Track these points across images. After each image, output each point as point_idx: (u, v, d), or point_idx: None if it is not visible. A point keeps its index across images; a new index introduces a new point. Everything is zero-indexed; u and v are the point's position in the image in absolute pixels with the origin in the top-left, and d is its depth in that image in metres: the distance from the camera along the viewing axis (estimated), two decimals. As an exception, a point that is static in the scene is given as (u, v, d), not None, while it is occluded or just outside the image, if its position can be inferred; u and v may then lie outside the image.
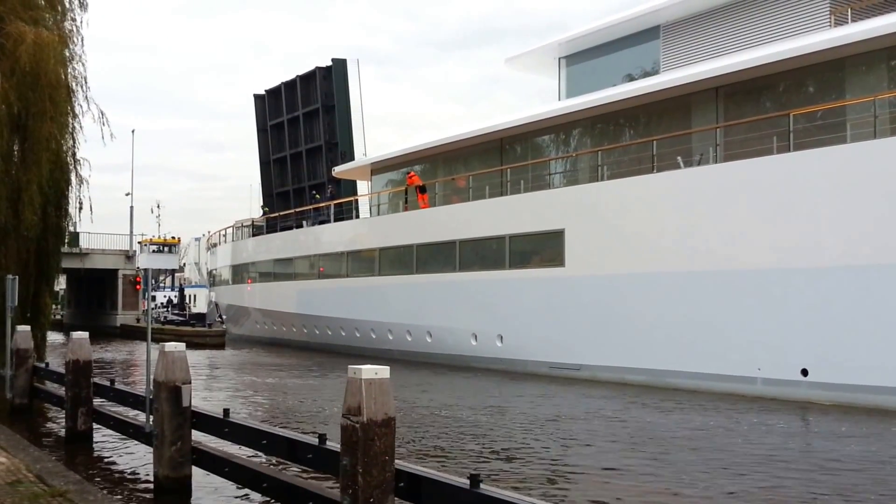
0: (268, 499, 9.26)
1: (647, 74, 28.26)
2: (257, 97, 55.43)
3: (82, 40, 23.39)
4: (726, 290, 20.61)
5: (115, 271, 56.86)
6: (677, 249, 21.86)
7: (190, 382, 10.03)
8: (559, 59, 32.46)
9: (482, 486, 6.25)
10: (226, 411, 9.60)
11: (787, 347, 19.24)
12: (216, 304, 52.58)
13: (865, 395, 17.68)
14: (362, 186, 44.80)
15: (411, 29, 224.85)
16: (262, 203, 50.28)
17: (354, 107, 48.63)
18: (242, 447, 10.05)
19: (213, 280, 55.62)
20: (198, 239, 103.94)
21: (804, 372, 18.94)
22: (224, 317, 50.71)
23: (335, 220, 38.33)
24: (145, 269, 18.49)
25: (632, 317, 22.80)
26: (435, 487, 6.62)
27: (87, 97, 23.38)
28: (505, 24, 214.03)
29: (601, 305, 23.72)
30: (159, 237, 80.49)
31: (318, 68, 48.93)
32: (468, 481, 6.29)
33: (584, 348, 24.01)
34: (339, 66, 48.58)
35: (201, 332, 45.41)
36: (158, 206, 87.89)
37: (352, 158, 45.44)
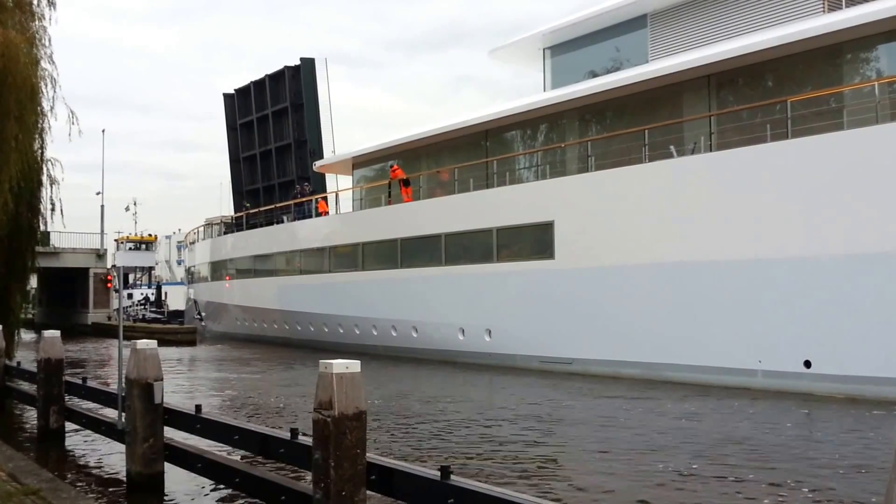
0: (241, 493, 9.56)
1: (634, 64, 28.45)
2: (227, 96, 56.39)
3: (50, 40, 23.63)
4: (724, 280, 20.80)
5: (86, 270, 58.00)
6: (671, 240, 22.05)
7: (162, 379, 10.30)
8: (544, 49, 32.67)
9: (453, 477, 6.50)
10: (198, 407, 9.89)
11: (790, 338, 19.37)
12: (195, 302, 52.92)
13: (872, 387, 17.80)
14: (331, 183, 45.62)
15: (381, 31, 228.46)
16: (245, 201, 50.98)
17: (323, 105, 49.83)
18: (215, 443, 10.32)
19: (191, 277, 55.96)
20: (168, 237, 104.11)
21: (807, 363, 19.12)
22: (203, 314, 51.02)
23: (313, 216, 38.75)
24: (116, 267, 18.75)
25: (625, 309, 23.05)
26: (406, 480, 6.87)
27: (56, 97, 23.64)
28: (473, 26, 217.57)
29: (593, 298, 23.98)
30: (136, 235, 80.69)
31: (286, 67, 50.03)
32: (439, 473, 6.52)
33: (575, 342, 24.30)
34: (308, 65, 49.68)
35: (173, 329, 46.18)
36: (135, 204, 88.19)
37: (321, 156, 46.31)
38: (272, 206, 44.16)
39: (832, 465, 11.69)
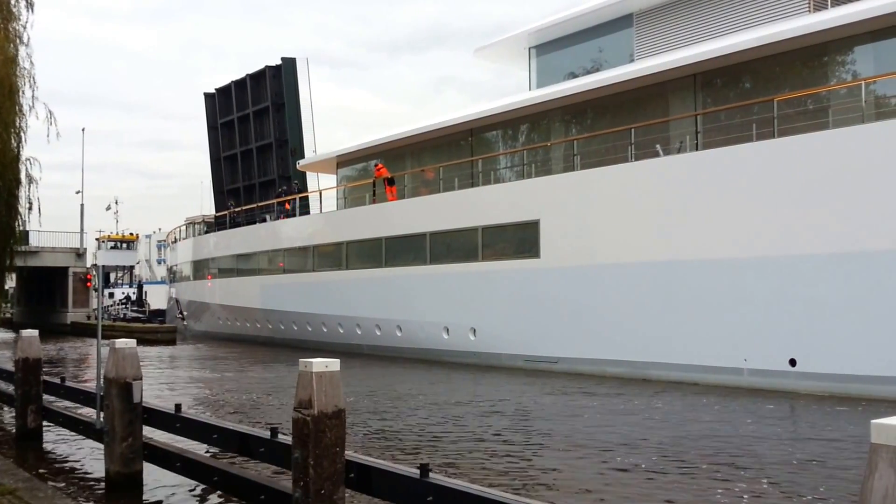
0: (220, 492, 9.60)
1: (619, 64, 28.60)
2: (207, 96, 56.64)
3: (29, 40, 23.70)
4: (710, 279, 20.96)
5: (65, 269, 58.20)
6: (657, 239, 22.20)
7: (141, 378, 10.33)
8: (529, 48, 32.83)
9: (431, 475, 6.58)
10: (177, 406, 9.93)
11: (775, 337, 19.57)
12: (177, 301, 52.89)
13: (857, 385, 18.02)
14: (312, 182, 45.79)
15: (364, 32, 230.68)
16: (230, 200, 51.10)
17: (304, 105, 50.26)
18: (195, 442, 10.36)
19: (173, 276, 55.93)
20: (148, 236, 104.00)
21: (792, 362, 19.30)
22: (185, 313, 51.02)
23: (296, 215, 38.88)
24: (96, 266, 18.79)
25: (611, 308, 23.18)
26: (385, 478, 6.94)
27: (35, 96, 23.71)
28: (455, 28, 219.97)
29: (579, 297, 24.11)
30: (117, 234, 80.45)
31: (267, 67, 50.35)
32: (418, 471, 6.59)
33: (561, 341, 24.43)
34: (289, 64, 50.04)
35: (152, 328, 46.16)
36: (117, 203, 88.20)
37: (302, 156, 46.68)
38: (262, 204, 44.18)
39: (783, 459, 12.05)
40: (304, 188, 45.63)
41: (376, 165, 34.06)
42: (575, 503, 9.93)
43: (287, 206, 39.86)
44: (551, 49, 31.90)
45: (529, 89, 32.63)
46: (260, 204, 43.87)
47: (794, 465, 11.62)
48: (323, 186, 41.93)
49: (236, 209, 46.25)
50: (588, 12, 29.40)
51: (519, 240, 26.46)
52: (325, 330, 34.37)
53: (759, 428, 14.79)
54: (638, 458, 12.21)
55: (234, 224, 44.74)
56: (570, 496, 10.25)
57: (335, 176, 40.67)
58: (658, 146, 24.08)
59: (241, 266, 42.16)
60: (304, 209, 39.75)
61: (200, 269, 47.63)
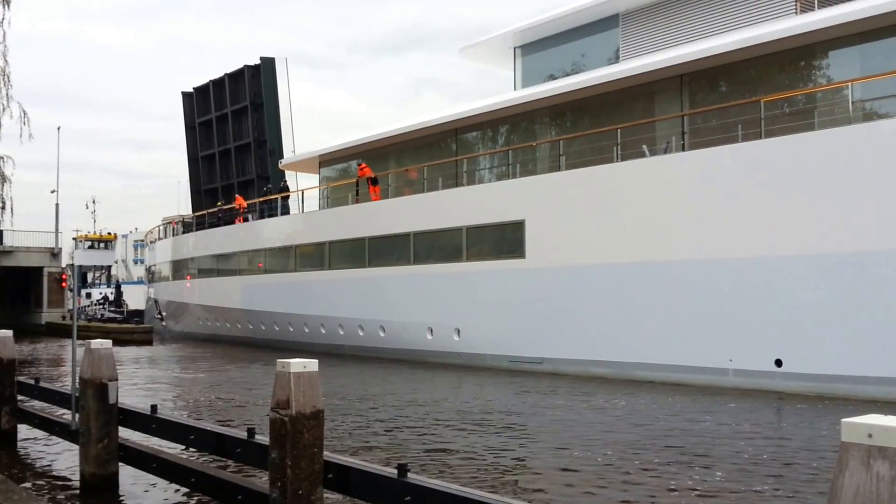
0: (197, 494, 9.63)
1: (605, 64, 28.72)
2: (185, 95, 56.67)
3: (4, 37, 23.63)
4: (695, 279, 21.12)
5: (39, 269, 58.10)
6: (643, 239, 22.32)
7: (116, 379, 10.35)
8: (514, 48, 32.95)
9: (410, 475, 6.65)
10: (153, 407, 9.96)
11: (760, 337, 19.75)
12: (155, 301, 52.74)
13: (842, 385, 18.20)
14: (292, 181, 46.10)
15: (344, 33, 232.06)
16: (220, 199, 51.05)
17: (283, 105, 50.57)
18: (171, 443, 10.39)
19: (151, 276, 55.77)
20: (125, 236, 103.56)
21: (778, 362, 19.49)
22: (164, 314, 50.89)
23: (274, 215, 38.94)
24: (71, 266, 18.73)
25: (596, 309, 23.30)
26: (363, 478, 7.01)
27: (9, 95, 23.60)
28: (435, 29, 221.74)
29: (564, 297, 24.24)
30: (95, 233, 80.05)
31: (246, 66, 50.56)
32: (396, 471, 6.67)
33: (546, 341, 24.54)
34: (268, 64, 50.29)
35: (129, 328, 46.14)
36: (94, 202, 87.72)
37: (281, 156, 47.00)
38: (254, 202, 44.12)
39: (736, 454, 12.38)
40: (285, 188, 45.69)
41: (359, 165, 34.10)
42: (536, 499, 10.10)
43: (242, 203, 40.00)
44: (537, 49, 32.01)
45: (514, 89, 32.71)
46: (257, 201, 43.78)
47: (745, 460, 11.95)
48: (303, 186, 41.95)
49: (225, 206, 46.12)
50: (574, 12, 29.49)
51: (504, 240, 26.55)
52: (306, 330, 34.38)
53: (715, 425, 15.12)
54: (595, 452, 12.55)
55: (215, 224, 44.64)
56: (532, 493, 10.43)
57: (317, 176, 40.66)
58: (644, 146, 24.22)
59: (221, 266, 42.10)
60: (285, 209, 39.72)
61: (179, 269, 47.52)
